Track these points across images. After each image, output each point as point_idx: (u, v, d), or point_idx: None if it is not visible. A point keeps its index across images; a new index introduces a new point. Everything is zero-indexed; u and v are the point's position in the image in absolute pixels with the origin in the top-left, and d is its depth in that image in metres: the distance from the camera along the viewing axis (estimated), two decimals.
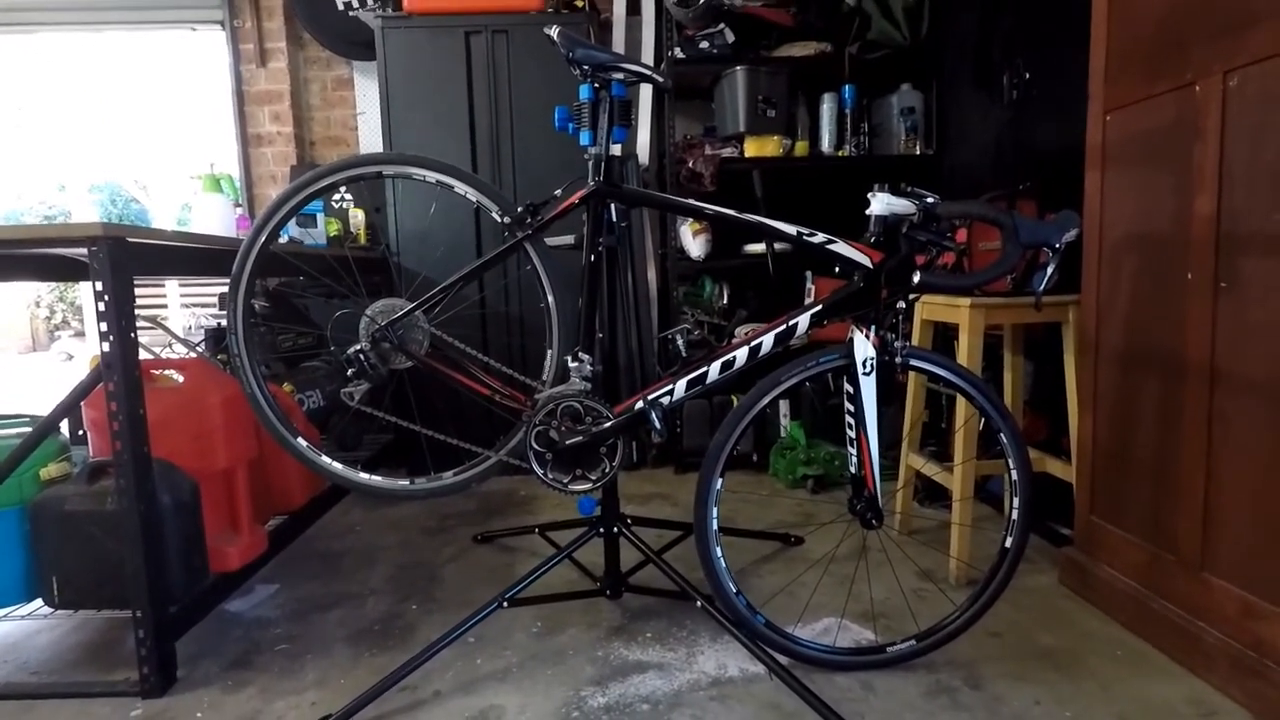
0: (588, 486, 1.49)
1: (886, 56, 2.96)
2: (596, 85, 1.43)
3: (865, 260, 1.44)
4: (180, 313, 4.66)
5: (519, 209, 1.46)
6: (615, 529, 1.76)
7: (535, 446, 1.48)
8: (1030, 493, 1.51)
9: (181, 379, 1.82)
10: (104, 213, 2.05)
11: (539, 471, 1.49)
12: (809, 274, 3.09)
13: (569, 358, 1.48)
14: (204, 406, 1.76)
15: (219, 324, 2.93)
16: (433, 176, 1.47)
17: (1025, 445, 1.51)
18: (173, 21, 3.32)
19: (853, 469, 1.52)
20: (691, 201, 1.49)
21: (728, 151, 3.00)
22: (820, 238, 1.45)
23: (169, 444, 1.65)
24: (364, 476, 1.56)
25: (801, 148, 3.06)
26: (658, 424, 1.42)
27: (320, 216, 2.66)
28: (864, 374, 1.44)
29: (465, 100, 2.89)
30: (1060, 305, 1.92)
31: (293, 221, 2.58)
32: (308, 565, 2.22)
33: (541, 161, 2.88)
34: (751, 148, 2.98)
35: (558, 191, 1.49)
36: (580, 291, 1.49)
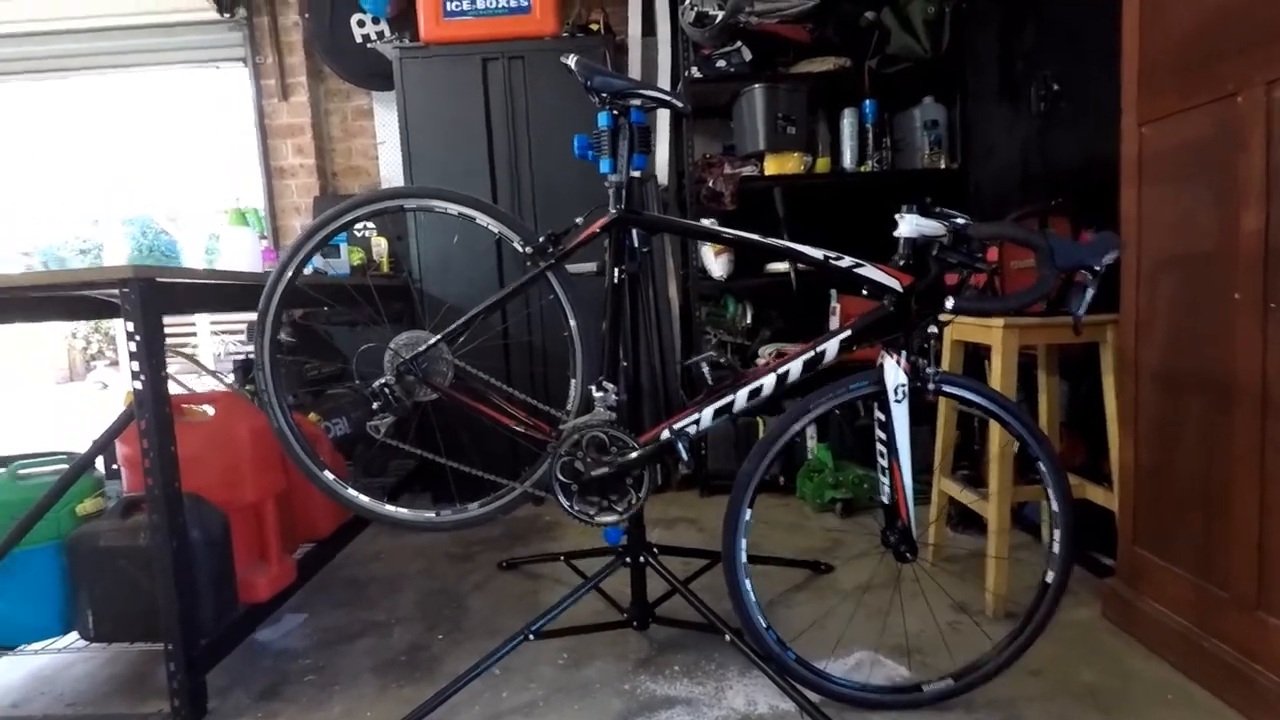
0: (614, 518, 1.47)
1: (907, 70, 2.94)
2: (615, 112, 1.43)
3: (894, 284, 1.41)
4: (210, 340, 4.73)
5: (540, 239, 1.46)
6: (642, 558, 1.73)
7: (561, 478, 1.47)
8: (1072, 525, 1.46)
9: (211, 412, 1.84)
10: (135, 245, 2.09)
11: (564, 503, 1.48)
12: (833, 293, 3.05)
13: (593, 387, 1.47)
14: (233, 440, 1.77)
15: (247, 354, 2.97)
16: (454, 209, 1.47)
17: (1066, 476, 1.47)
18: (198, 61, 3.40)
19: (884, 498, 1.48)
20: (714, 227, 1.47)
21: (747, 170, 2.99)
22: (847, 262, 1.43)
23: (199, 478, 1.67)
24: (389, 509, 1.56)
25: (823, 164, 3.04)
26: (684, 455, 1.40)
27: (343, 246, 2.69)
28: (895, 401, 1.41)
29: (483, 127, 2.91)
30: (1098, 324, 1.87)
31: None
32: (335, 593, 2.23)
33: (561, 186, 2.88)
34: (772, 165, 2.96)
35: (579, 219, 1.48)
36: (603, 319, 1.48)
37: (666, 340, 3.09)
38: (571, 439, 1.45)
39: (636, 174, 1.44)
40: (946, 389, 1.45)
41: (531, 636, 1.55)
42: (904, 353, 1.42)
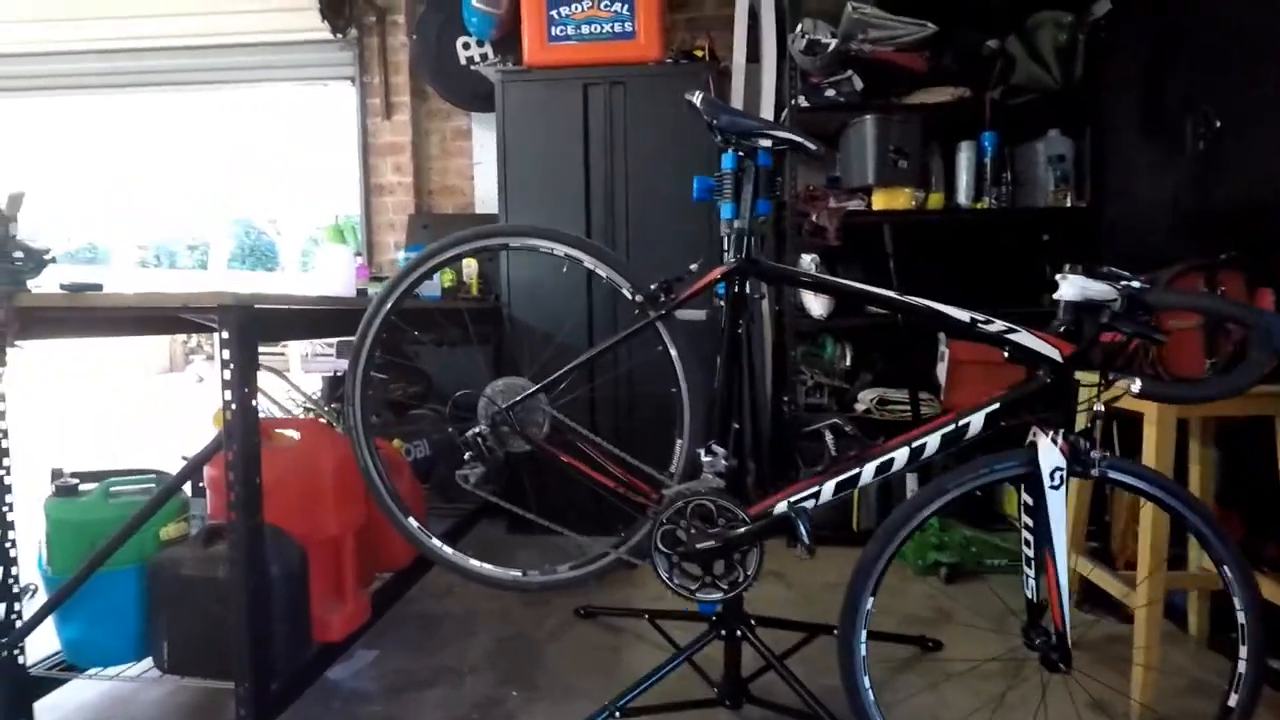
0: (718, 597, 1.33)
1: (1033, 101, 2.72)
2: (741, 154, 1.31)
3: (1053, 353, 1.23)
4: (299, 344, 4.82)
5: (652, 286, 1.34)
6: (739, 632, 1.59)
7: (661, 547, 1.34)
8: (1262, 643, 1.24)
9: (297, 437, 1.79)
10: (239, 244, 2.15)
11: (663, 576, 1.35)
12: (942, 337, 2.84)
13: (701, 450, 1.33)
14: (317, 470, 1.72)
15: (336, 370, 2.96)
16: (561, 250, 1.37)
17: (1256, 585, 1.25)
18: (309, 78, 3.48)
19: (1030, 593, 1.30)
20: (848, 283, 1.33)
21: (854, 204, 2.82)
22: (998, 326, 1.25)
23: (280, 507, 1.61)
24: (474, 564, 1.46)
25: (935, 200, 2.84)
26: (805, 537, 1.25)
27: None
28: (1051, 487, 1.23)
29: (581, 153, 2.84)
30: (1270, 396, 1.63)
31: None
32: (407, 630, 2.15)
33: (657, 219, 2.77)
34: (880, 200, 2.78)
35: (693, 266, 1.36)
36: (715, 376, 1.35)
37: (758, 380, 2.94)
38: (675, 506, 1.32)
39: (762, 219, 1.30)
40: (1114, 476, 1.25)
41: (618, 715, 1.42)
42: (1061, 431, 1.23)
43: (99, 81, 3.47)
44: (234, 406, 1.40)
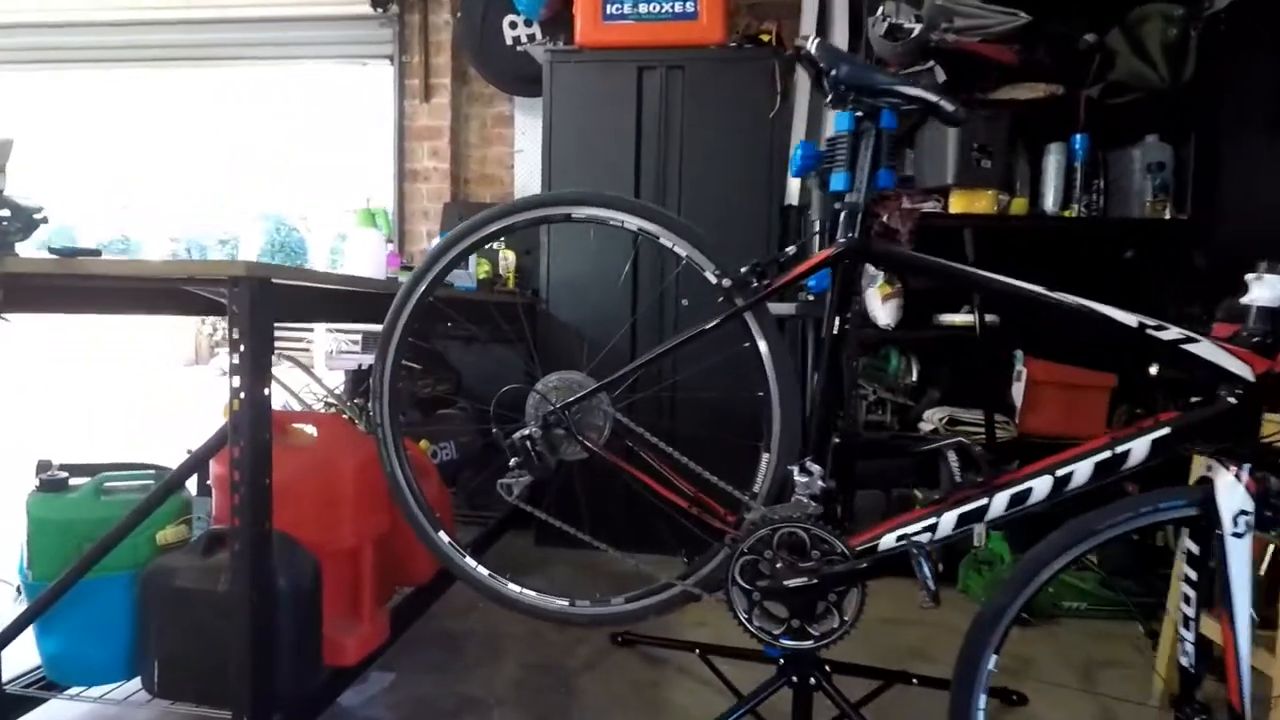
0: (807, 645, 1.10)
1: (1133, 102, 2.48)
2: (860, 114, 1.09)
3: (1244, 370, 0.99)
4: (325, 337, 4.64)
5: (742, 269, 1.12)
6: (812, 679, 1.35)
7: (740, 582, 1.12)
8: None
9: (314, 434, 1.60)
10: (269, 239, 2.01)
11: (740, 616, 1.12)
12: (1019, 354, 2.59)
13: (794, 468, 1.11)
14: (335, 472, 1.52)
15: (360, 364, 2.77)
16: (634, 222, 1.16)
17: None
18: (347, 56, 3.32)
19: (1186, 660, 1.06)
20: (986, 273, 1.10)
21: (929, 206, 2.58)
22: (1173, 334, 1.02)
23: (292, 512, 1.42)
24: (513, 589, 1.24)
25: (1019, 205, 2.60)
26: (928, 579, 1.02)
27: (473, 258, 2.45)
28: (1234, 534, 0.99)
29: (632, 142, 2.64)
30: None
31: None
32: (427, 650, 1.94)
33: (714, 215, 2.56)
34: (959, 203, 2.54)
35: (790, 249, 1.14)
36: (812, 379, 1.12)
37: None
38: (759, 533, 1.10)
39: (887, 192, 1.08)
40: None
41: None
42: (1247, 466, 0.99)
43: (121, 56, 3.33)
44: (243, 395, 1.20)
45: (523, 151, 3.20)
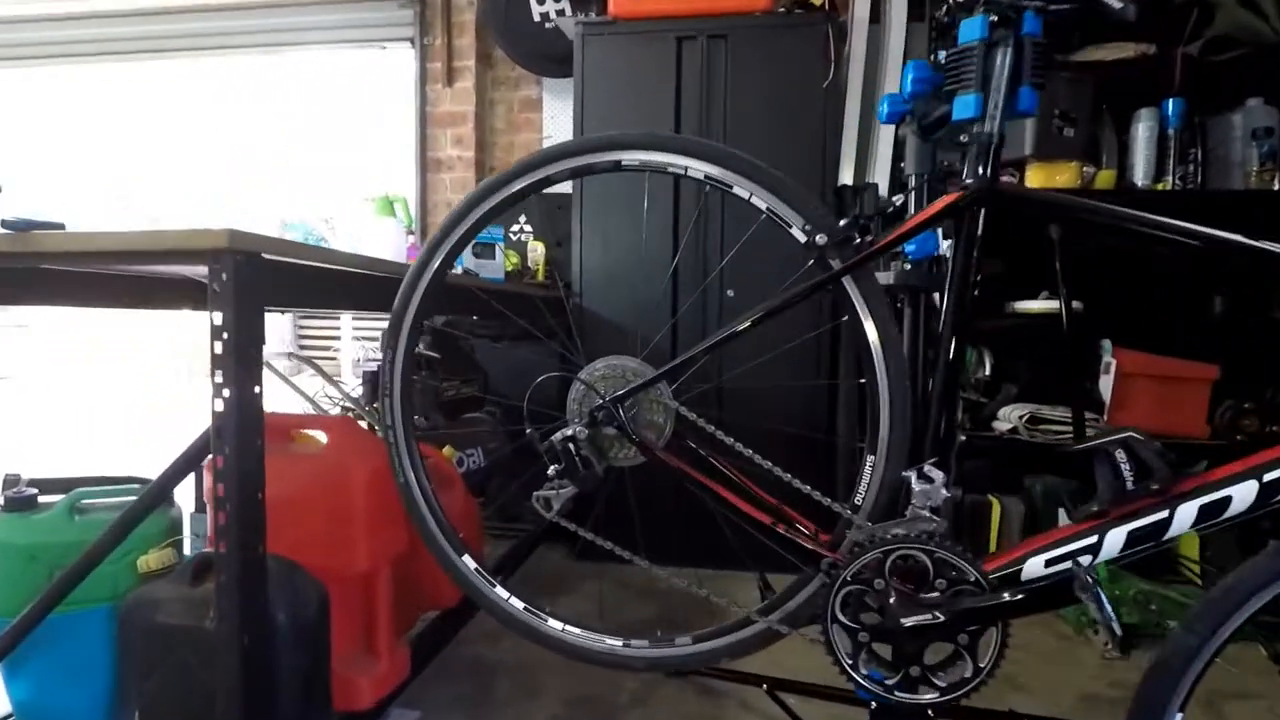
0: (930, 698, 0.86)
1: (1237, 59, 2.20)
2: (994, 19, 0.85)
3: None
4: (351, 345, 4.47)
5: (841, 222, 0.89)
6: None
7: (842, 619, 0.88)
8: None
9: (323, 441, 1.39)
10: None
11: (845, 661, 0.88)
12: (1106, 344, 2.31)
13: (912, 474, 0.87)
14: (346, 484, 1.31)
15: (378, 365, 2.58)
16: (699, 168, 0.93)
17: None
18: (366, 40, 3.14)
19: None
20: (1167, 220, 0.85)
21: (1002, 180, 2.32)
22: None
23: (295, 531, 1.22)
24: (554, 626, 1.02)
25: (1105, 178, 2.32)
26: (1114, 620, 0.77)
27: (499, 247, 2.25)
28: None
29: (671, 117, 2.42)
30: None
31: (469, 251, 2.18)
32: (454, 682, 1.72)
33: None
34: (1037, 176, 2.28)
35: (896, 199, 0.91)
36: (929, 360, 0.89)
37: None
38: (867, 557, 0.86)
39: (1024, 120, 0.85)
40: None
41: None
42: None
43: (126, 48, 3.19)
44: (227, 394, 0.99)
45: (551, 137, 3.00)
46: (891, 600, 0.86)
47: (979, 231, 0.87)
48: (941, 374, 0.88)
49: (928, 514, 0.86)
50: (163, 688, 1.15)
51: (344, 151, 3.21)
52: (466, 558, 1.03)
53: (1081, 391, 2.28)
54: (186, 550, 1.40)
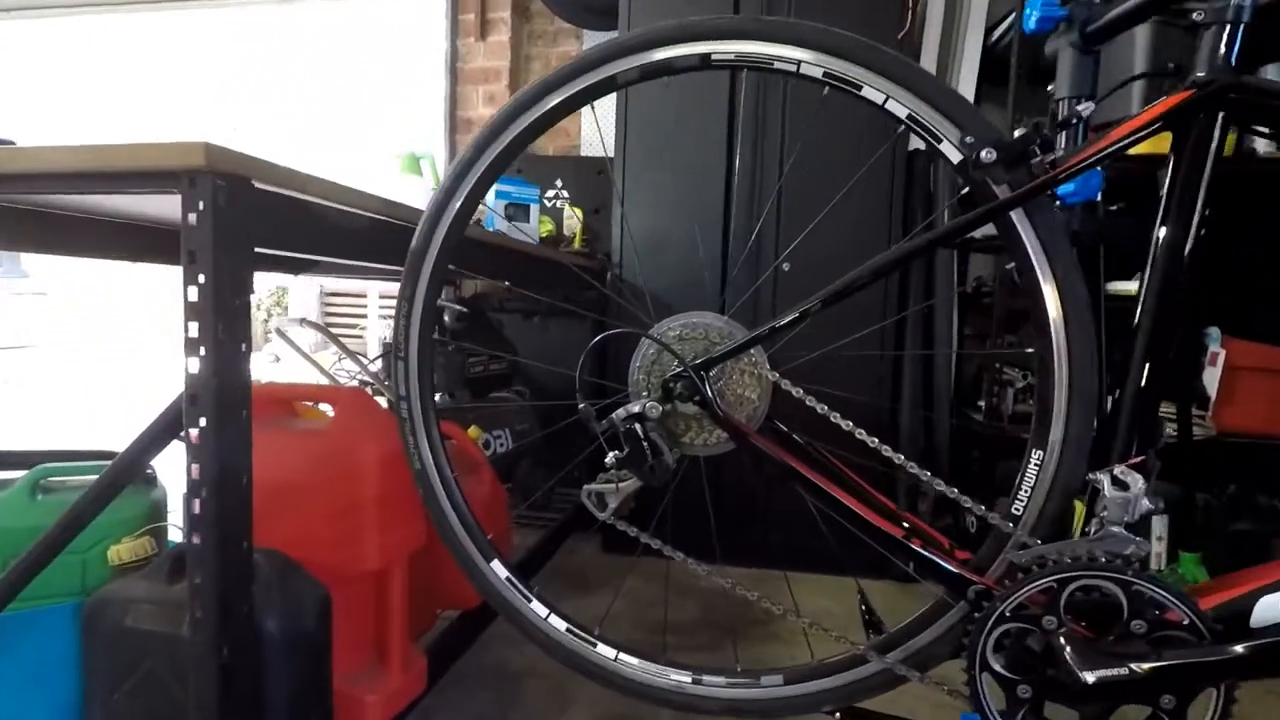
0: None
1: None
2: None
3: None
4: (378, 324, 4.29)
5: (1016, 133, 0.66)
6: None
7: (996, 666, 0.65)
8: None
9: (330, 415, 1.19)
10: None
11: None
12: (1213, 332, 2.04)
13: (1104, 475, 0.64)
14: (355, 466, 1.11)
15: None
16: (817, 62, 0.70)
17: None
18: None
19: None
20: None
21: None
22: None
23: (292, 522, 1.03)
24: (605, 653, 0.80)
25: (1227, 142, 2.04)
26: None
27: (534, 209, 2.03)
28: None
29: (726, 75, 2.18)
30: None
31: (500, 212, 1.97)
32: (475, 694, 1.53)
33: (824, 156, 2.08)
34: (1146, 141, 2.00)
35: (1083, 108, 0.68)
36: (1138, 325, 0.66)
37: (941, 379, 2.22)
38: (1033, 585, 0.64)
39: None
40: None
41: None
42: None
43: None
44: (203, 352, 0.79)
45: None
46: (1068, 645, 0.64)
47: (1213, 145, 0.63)
48: (1144, 344, 0.65)
49: (1123, 531, 0.63)
50: (132, 702, 0.96)
51: (367, 108, 3.00)
52: (496, 563, 0.82)
53: (1179, 385, 2.02)
54: (174, 538, 1.22)
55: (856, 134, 2.09)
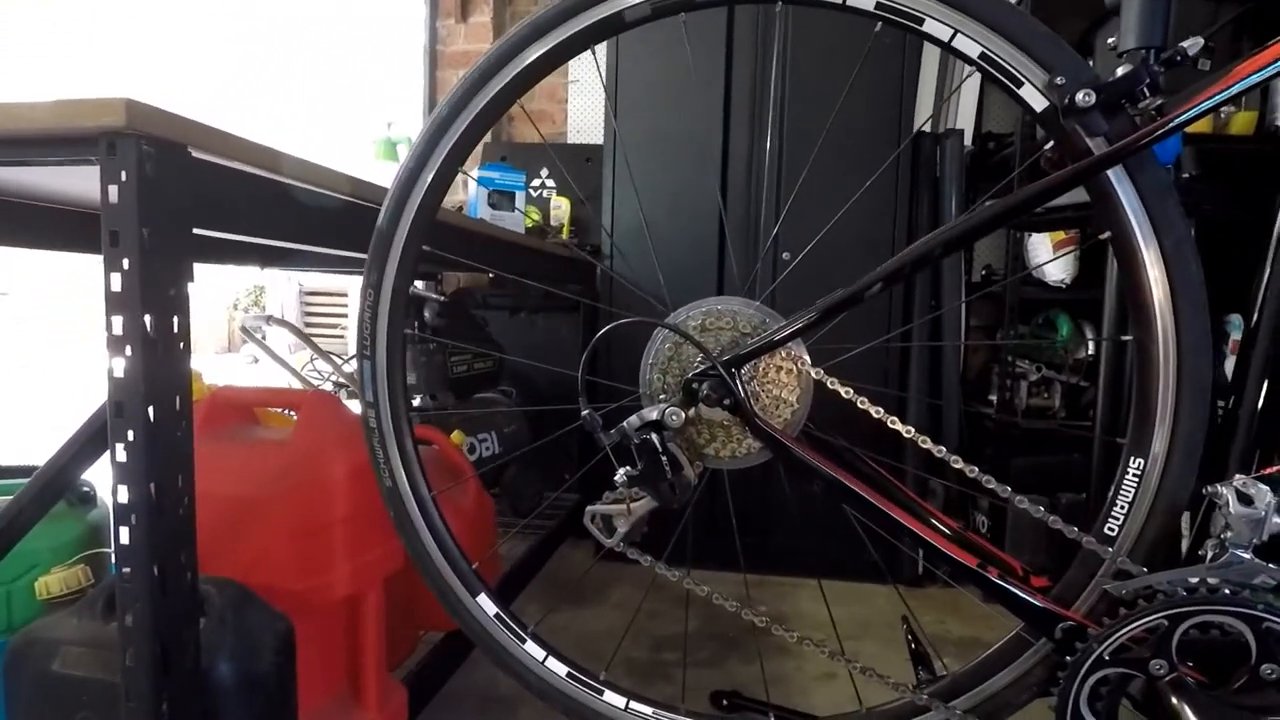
0: None
1: None
2: None
3: None
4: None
5: (1119, 71, 0.54)
6: None
7: (1090, 716, 0.54)
8: None
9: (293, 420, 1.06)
10: None
11: None
12: (1234, 319, 1.94)
13: (1226, 487, 0.52)
14: (322, 479, 0.98)
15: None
16: None
17: None
18: None
19: None
20: None
21: None
22: None
23: (251, 545, 0.91)
24: (612, 701, 0.68)
25: (1243, 121, 1.95)
26: None
27: (520, 197, 1.90)
28: None
29: (722, 57, 2.05)
30: None
31: (483, 199, 1.84)
32: None
33: (826, 135, 1.96)
34: None
35: (1189, 43, 0.56)
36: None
37: (949, 371, 2.12)
38: (1139, 623, 0.52)
39: None
40: None
41: None
42: None
43: None
44: (129, 352, 0.66)
45: (578, 82, 2.63)
46: (1182, 695, 0.52)
47: None
48: (1267, 334, 0.53)
49: (1250, 557, 0.52)
50: None
51: (343, 93, 2.86)
52: (483, 597, 0.69)
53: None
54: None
55: (858, 102, 1.98)
